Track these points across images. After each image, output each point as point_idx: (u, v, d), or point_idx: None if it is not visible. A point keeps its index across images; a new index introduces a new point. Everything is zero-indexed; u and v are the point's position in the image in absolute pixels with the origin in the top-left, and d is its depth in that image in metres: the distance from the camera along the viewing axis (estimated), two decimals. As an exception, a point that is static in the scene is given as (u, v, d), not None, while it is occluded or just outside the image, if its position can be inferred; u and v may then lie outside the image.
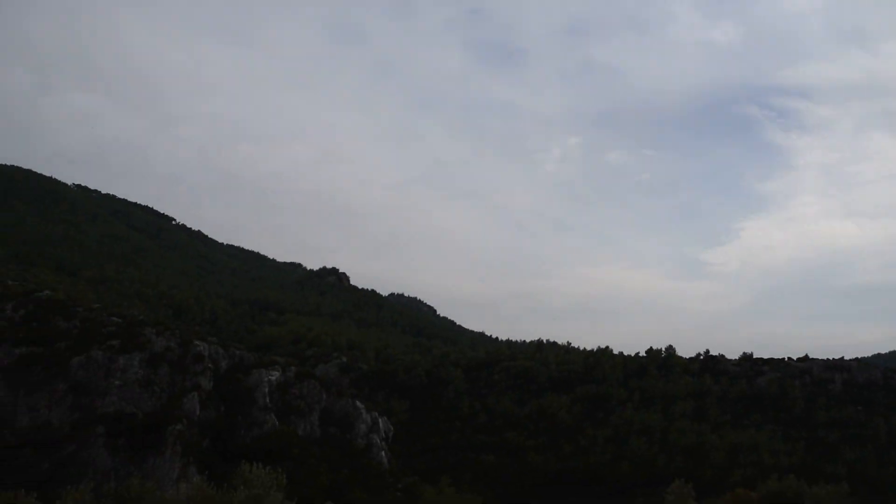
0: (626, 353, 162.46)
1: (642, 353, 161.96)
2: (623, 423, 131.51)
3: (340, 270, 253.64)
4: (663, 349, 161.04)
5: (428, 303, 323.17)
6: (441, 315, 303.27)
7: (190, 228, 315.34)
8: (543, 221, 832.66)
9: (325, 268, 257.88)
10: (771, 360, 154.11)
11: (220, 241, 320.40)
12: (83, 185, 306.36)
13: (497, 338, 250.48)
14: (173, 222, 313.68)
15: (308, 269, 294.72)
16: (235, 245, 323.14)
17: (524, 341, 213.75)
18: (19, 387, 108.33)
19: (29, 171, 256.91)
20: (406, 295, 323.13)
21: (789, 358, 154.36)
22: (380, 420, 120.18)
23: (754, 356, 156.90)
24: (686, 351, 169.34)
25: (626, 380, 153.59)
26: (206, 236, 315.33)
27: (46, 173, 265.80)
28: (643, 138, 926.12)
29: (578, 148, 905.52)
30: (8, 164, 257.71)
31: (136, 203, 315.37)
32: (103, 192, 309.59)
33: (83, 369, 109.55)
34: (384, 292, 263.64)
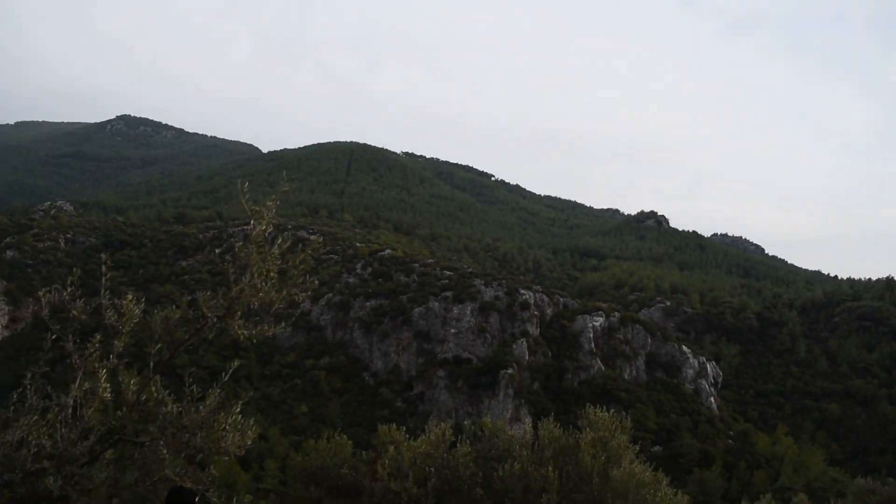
0: None
1: None
2: None
3: (659, 213, 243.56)
4: None
5: (755, 241, 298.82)
6: (769, 254, 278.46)
7: (509, 183, 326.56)
8: (887, 144, 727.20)
9: (642, 212, 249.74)
10: None
11: (537, 192, 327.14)
12: (410, 151, 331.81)
13: (836, 276, 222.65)
14: (493, 178, 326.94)
15: (625, 214, 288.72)
16: (553, 196, 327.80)
17: (869, 279, 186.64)
18: (373, 335, 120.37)
19: (365, 145, 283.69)
20: (730, 235, 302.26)
21: None
22: (708, 365, 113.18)
23: None
24: None
25: None
26: (525, 189, 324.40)
27: (379, 145, 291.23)
28: None
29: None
30: (348, 140, 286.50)
31: (457, 164, 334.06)
32: (428, 156, 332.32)
33: (423, 319, 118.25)
34: (706, 233, 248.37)
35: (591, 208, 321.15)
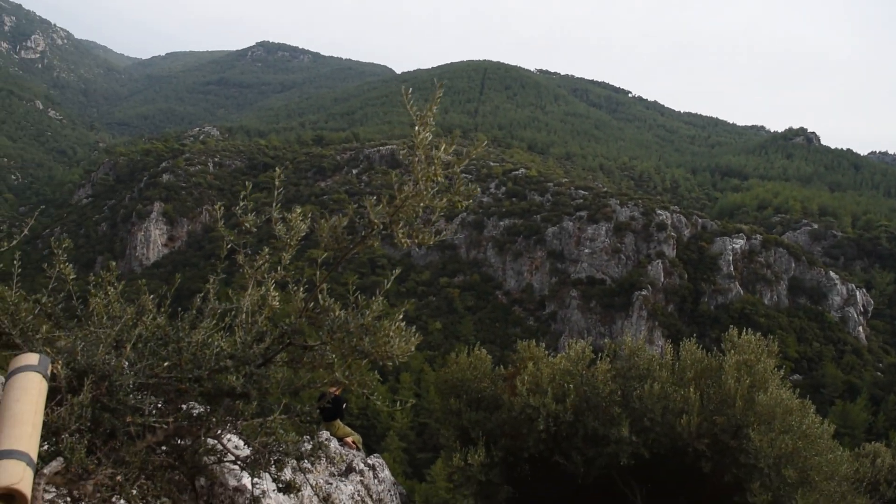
0: None
1: None
2: None
3: (809, 130, 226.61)
4: None
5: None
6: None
7: (646, 100, 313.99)
8: None
9: (791, 128, 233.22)
10: None
11: (676, 109, 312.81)
12: (544, 69, 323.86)
13: None
14: (630, 95, 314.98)
15: (772, 131, 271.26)
16: (693, 112, 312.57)
17: None
18: (506, 254, 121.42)
19: (498, 63, 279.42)
20: (890, 153, 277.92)
21: None
22: (857, 292, 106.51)
23: None
24: None
25: None
26: (663, 106, 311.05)
27: (513, 62, 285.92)
28: None
29: None
30: (481, 59, 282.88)
31: (593, 80, 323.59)
32: (562, 73, 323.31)
33: (557, 238, 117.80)
34: (862, 151, 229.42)
35: (733, 125, 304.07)
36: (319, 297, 4.11)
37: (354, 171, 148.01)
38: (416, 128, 3.76)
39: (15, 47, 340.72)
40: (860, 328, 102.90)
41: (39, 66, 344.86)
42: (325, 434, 12.43)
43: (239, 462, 4.12)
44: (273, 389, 3.89)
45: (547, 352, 14.59)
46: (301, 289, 4.25)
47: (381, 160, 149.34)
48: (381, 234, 4.02)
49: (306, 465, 9.36)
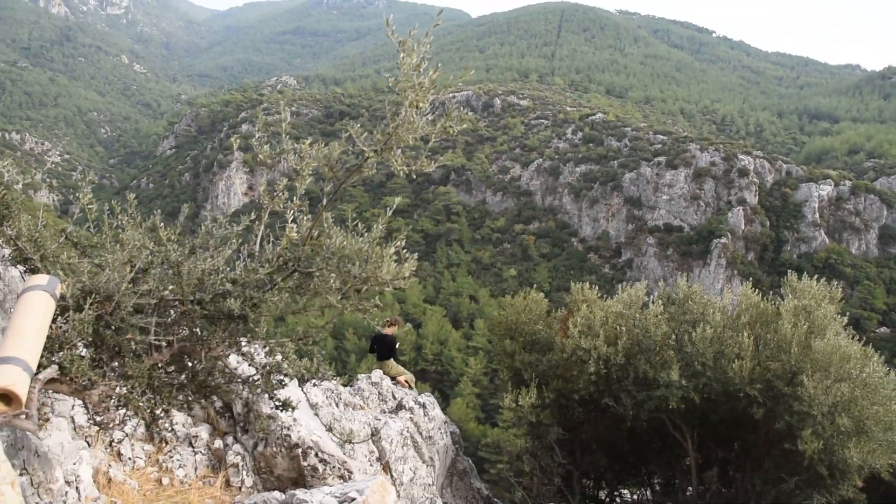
0: None
1: None
2: None
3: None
4: None
5: None
6: None
7: (731, 39, 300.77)
8: None
9: (890, 66, 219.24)
10: None
11: (764, 49, 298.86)
12: (624, 9, 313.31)
13: None
14: (713, 35, 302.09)
15: (868, 69, 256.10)
16: (782, 52, 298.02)
17: None
18: (582, 201, 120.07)
19: (576, 4, 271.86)
20: None
21: None
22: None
23: None
24: None
25: None
26: (749, 45, 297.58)
27: (591, 3, 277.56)
28: None
29: None
30: (558, 0, 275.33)
31: (675, 20, 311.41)
32: (643, 13, 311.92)
33: (634, 185, 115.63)
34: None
35: (825, 64, 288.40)
36: (323, 224, 4.25)
37: (430, 117, 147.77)
38: (401, 54, 3.79)
39: (101, 3, 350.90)
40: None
41: (124, 21, 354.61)
42: (378, 373, 12.81)
43: (240, 381, 4.37)
44: (272, 312, 4.08)
45: (600, 295, 14.54)
46: (306, 218, 4.40)
47: (457, 106, 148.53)
48: (374, 162, 4.08)
49: (353, 399, 9.68)
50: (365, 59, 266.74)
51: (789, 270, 13.59)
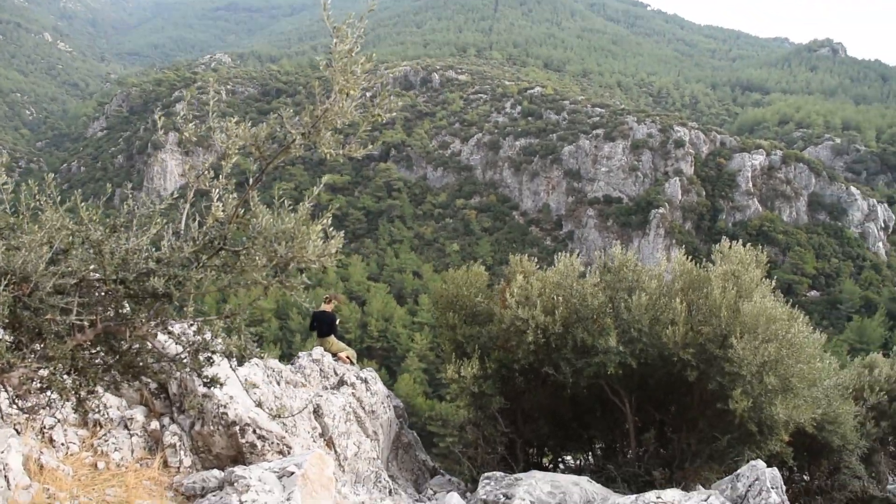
0: None
1: None
2: None
3: (835, 41, 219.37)
4: None
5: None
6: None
7: (665, 13, 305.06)
8: None
9: (815, 40, 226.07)
10: None
11: (696, 22, 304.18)
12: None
13: None
14: (648, 8, 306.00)
15: (795, 42, 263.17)
16: (714, 25, 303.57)
17: None
18: (522, 174, 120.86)
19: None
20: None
21: None
22: (879, 208, 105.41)
23: None
24: None
25: None
26: (683, 19, 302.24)
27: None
28: None
29: None
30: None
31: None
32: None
33: (573, 158, 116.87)
34: (892, 61, 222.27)
35: (756, 38, 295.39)
36: (250, 203, 4.23)
37: (368, 94, 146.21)
38: (334, 40, 3.79)
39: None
40: (880, 244, 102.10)
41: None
42: (319, 350, 12.80)
43: (167, 360, 4.35)
44: (194, 290, 4.06)
45: (539, 266, 14.74)
46: (232, 197, 4.38)
47: (394, 83, 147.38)
48: (302, 144, 4.08)
49: (294, 376, 9.66)
50: (301, 34, 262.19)
51: (723, 237, 13.99)
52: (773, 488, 8.52)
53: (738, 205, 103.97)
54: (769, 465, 9.04)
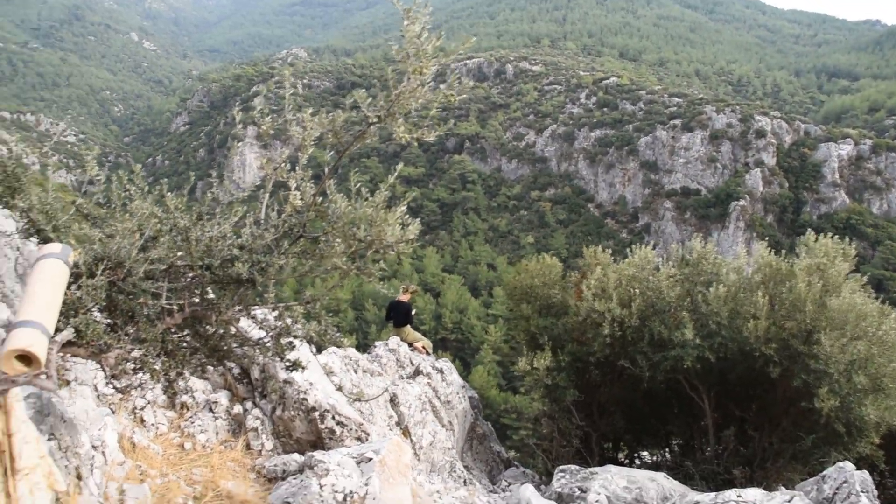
0: None
1: None
2: None
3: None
4: None
5: None
6: None
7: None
8: None
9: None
10: None
11: (780, 7, 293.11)
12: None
13: None
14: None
15: (889, 24, 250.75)
16: (798, 9, 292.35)
17: None
18: (598, 166, 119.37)
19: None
20: None
21: None
22: None
23: None
24: None
25: None
26: (765, 4, 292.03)
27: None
28: None
29: None
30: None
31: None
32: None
33: (650, 149, 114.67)
34: None
35: (844, 21, 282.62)
36: (327, 191, 4.32)
37: (442, 86, 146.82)
38: (405, 22, 3.81)
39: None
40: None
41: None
42: (395, 339, 12.94)
43: (251, 344, 4.48)
44: (277, 276, 4.17)
45: (613, 258, 14.56)
46: (309, 185, 4.47)
47: (468, 73, 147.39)
48: (378, 128, 4.14)
49: (371, 365, 9.81)
50: (375, 28, 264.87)
51: (808, 230, 13.45)
52: (863, 492, 8.17)
53: (824, 197, 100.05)
54: (858, 468, 8.69)
